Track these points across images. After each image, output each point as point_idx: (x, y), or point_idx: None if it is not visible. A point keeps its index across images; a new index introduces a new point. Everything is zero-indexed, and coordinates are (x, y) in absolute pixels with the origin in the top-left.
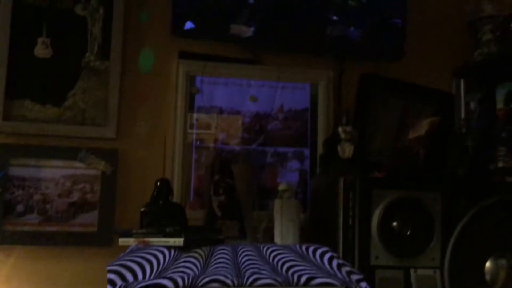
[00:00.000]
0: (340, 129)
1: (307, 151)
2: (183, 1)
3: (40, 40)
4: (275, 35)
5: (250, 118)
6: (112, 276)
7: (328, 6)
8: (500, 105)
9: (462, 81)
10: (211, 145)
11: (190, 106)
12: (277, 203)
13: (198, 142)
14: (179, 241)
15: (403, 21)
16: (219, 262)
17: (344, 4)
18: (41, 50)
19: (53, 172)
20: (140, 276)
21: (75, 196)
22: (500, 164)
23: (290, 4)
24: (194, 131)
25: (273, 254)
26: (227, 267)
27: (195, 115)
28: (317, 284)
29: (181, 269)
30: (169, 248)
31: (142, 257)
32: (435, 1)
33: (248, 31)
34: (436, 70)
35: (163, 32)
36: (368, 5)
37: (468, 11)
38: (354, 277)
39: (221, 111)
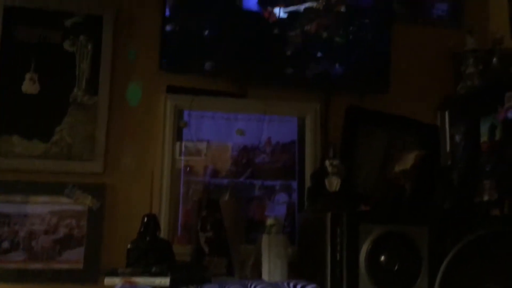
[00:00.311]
0: (327, 162)
1: (294, 184)
2: (170, 38)
3: (28, 75)
4: (262, 69)
5: (237, 152)
6: None
7: (314, 43)
8: (484, 137)
9: (446, 114)
10: (200, 179)
11: (178, 140)
12: (264, 238)
13: (188, 169)
14: (165, 281)
15: (387, 55)
16: None
17: (330, 41)
18: (29, 86)
19: (39, 208)
20: None
21: (61, 233)
22: (485, 197)
23: (276, 40)
24: (182, 163)
25: None
26: None
27: (183, 147)
28: None
29: None
30: None
31: None
32: (418, 35)
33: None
34: (421, 103)
35: (151, 66)
36: (353, 41)
37: (451, 44)
38: None
39: (208, 145)
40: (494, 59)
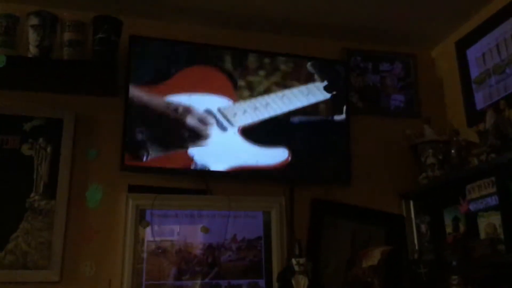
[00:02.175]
0: (293, 261)
1: (262, 282)
2: (131, 138)
3: None
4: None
5: (202, 250)
6: None
7: None
8: (449, 229)
9: (411, 203)
10: (163, 282)
11: (140, 242)
12: None
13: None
14: None
15: (347, 147)
16: None
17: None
18: None
19: None
20: None
21: None
22: None
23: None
24: (144, 266)
25: None
26: None
27: (145, 249)
28: None
29: None
30: None
31: None
32: (377, 127)
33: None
34: (384, 193)
35: (112, 167)
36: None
37: (410, 135)
38: None
39: (172, 244)
40: (453, 151)
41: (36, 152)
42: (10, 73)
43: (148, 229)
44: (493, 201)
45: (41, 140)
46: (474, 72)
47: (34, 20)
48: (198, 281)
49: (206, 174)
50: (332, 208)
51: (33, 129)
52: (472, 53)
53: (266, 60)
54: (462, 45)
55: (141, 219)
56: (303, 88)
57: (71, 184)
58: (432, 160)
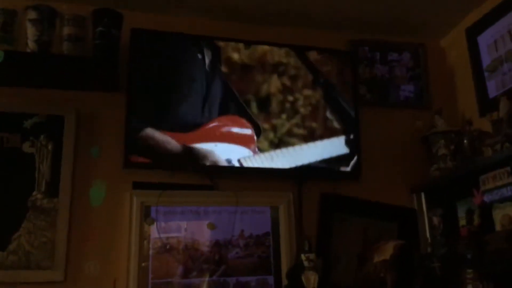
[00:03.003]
0: (303, 256)
1: (271, 279)
2: (135, 134)
3: None
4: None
5: (209, 247)
6: None
7: None
8: (462, 221)
9: (423, 195)
10: (169, 280)
11: (145, 239)
12: None
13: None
14: None
15: (357, 140)
16: None
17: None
18: None
19: None
20: None
21: None
22: None
23: None
24: (150, 264)
25: None
26: None
27: (151, 246)
28: None
29: None
30: None
31: None
32: (386, 119)
33: None
34: (395, 186)
35: (115, 164)
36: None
37: (420, 126)
38: None
39: (178, 242)
40: (465, 141)
41: (37, 150)
42: (8, 69)
43: (154, 226)
44: (508, 192)
45: (42, 137)
46: (486, 60)
47: (32, 14)
48: (206, 279)
49: (212, 170)
50: (341, 203)
51: (34, 126)
52: (484, 40)
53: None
54: (473, 32)
55: (146, 216)
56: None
57: (74, 182)
58: (444, 151)
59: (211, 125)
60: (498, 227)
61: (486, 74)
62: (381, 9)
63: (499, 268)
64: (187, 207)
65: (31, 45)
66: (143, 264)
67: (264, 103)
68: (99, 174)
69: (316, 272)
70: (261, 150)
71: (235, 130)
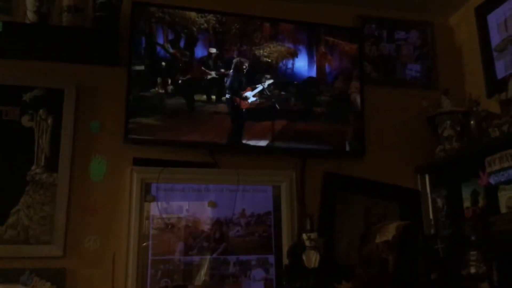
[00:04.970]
0: (304, 236)
1: (272, 258)
2: (135, 108)
3: None
4: (233, 139)
5: (210, 225)
6: None
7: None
8: (467, 203)
9: (427, 177)
10: (169, 257)
11: (145, 216)
12: None
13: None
14: None
15: (361, 118)
16: None
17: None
18: None
19: None
20: None
21: None
22: (473, 270)
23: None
24: (150, 241)
25: None
26: None
27: (151, 223)
28: None
29: None
30: None
31: None
32: (392, 98)
33: None
34: (399, 166)
35: (115, 139)
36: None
37: (427, 106)
38: None
39: (179, 219)
40: (472, 122)
41: (37, 124)
42: (7, 41)
43: (154, 204)
44: None
45: (41, 111)
46: (495, 39)
47: None
48: (207, 257)
49: (213, 147)
50: (345, 182)
51: (33, 99)
52: (493, 18)
53: None
54: (483, 11)
55: (146, 193)
56: None
57: (74, 157)
58: (450, 132)
59: None
60: (503, 209)
61: (495, 54)
62: None
63: (504, 249)
64: (188, 184)
65: (30, 16)
66: (143, 243)
67: None
68: (99, 149)
69: (317, 252)
70: None
71: None
